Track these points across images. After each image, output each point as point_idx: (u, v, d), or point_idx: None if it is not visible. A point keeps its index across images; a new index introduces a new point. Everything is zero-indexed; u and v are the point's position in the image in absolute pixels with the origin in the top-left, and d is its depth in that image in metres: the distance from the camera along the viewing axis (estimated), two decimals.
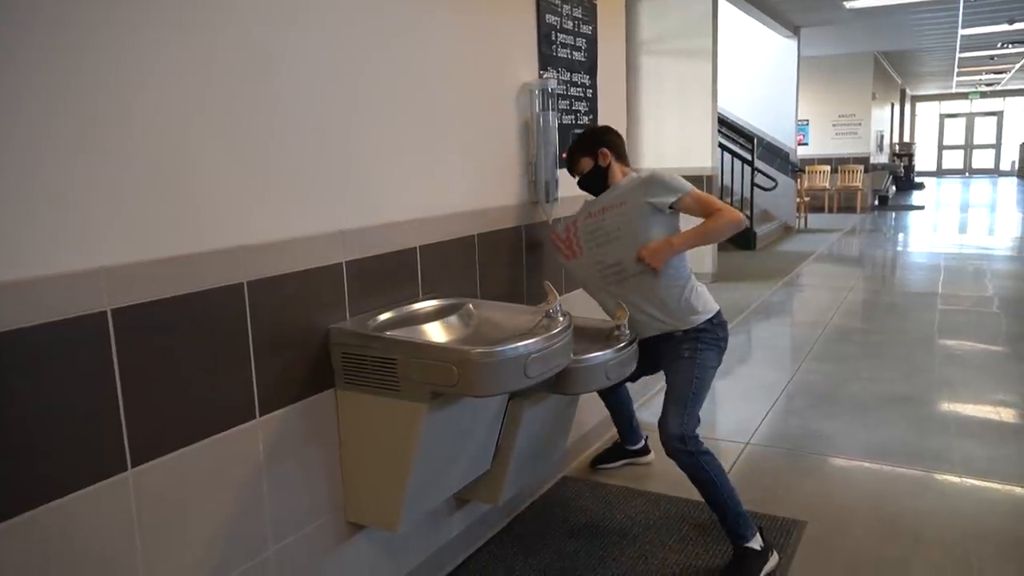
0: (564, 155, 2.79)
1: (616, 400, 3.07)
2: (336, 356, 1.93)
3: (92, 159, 1.40)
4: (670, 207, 2.47)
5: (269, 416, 1.79)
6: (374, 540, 2.15)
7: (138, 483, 1.50)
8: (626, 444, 3.19)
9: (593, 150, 2.64)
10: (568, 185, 2.94)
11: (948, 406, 4.00)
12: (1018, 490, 2.96)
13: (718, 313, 2.58)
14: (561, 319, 2.03)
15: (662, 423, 2.46)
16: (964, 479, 3.06)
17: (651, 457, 3.21)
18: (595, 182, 2.66)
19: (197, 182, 1.59)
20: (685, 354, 2.52)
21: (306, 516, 1.93)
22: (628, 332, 2.49)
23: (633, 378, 2.76)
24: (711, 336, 2.54)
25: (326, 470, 1.98)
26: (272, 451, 1.80)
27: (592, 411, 3.32)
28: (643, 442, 3.21)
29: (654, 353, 2.62)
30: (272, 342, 1.77)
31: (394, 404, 1.88)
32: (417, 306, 2.16)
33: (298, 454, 1.89)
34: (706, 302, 2.58)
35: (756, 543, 2.43)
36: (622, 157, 2.67)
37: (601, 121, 3.24)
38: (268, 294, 1.75)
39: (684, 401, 2.46)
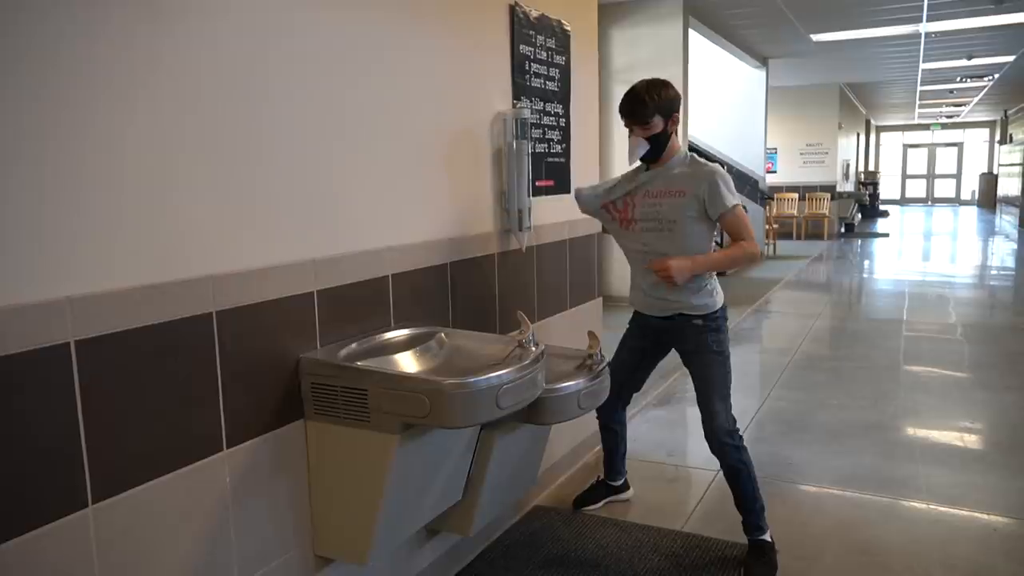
0: (625, 106, 2.54)
1: (615, 433, 3.03)
2: (306, 386, 1.91)
3: (60, 186, 1.37)
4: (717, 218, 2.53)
5: (237, 448, 1.75)
6: (344, 573, 2.11)
7: (98, 520, 1.45)
8: (610, 479, 3.12)
9: (670, 113, 2.51)
10: (541, 213, 2.95)
11: (914, 433, 4.05)
12: (982, 517, 3.00)
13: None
14: (533, 349, 2.02)
15: (711, 420, 2.56)
16: (931, 506, 3.09)
17: (631, 493, 3.18)
18: (654, 147, 2.54)
19: (168, 211, 1.57)
20: (714, 347, 2.60)
21: (274, 550, 1.88)
22: (601, 360, 2.48)
23: (639, 383, 2.91)
24: (724, 321, 2.64)
25: (295, 503, 1.94)
26: (239, 484, 1.77)
27: (564, 439, 3.31)
28: (625, 478, 3.17)
29: (660, 338, 2.73)
30: (241, 373, 1.75)
31: (365, 435, 1.85)
32: (389, 335, 2.14)
33: (266, 487, 1.85)
34: (718, 288, 2.66)
35: (769, 536, 2.63)
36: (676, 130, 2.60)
37: (574, 150, 3.27)
38: (237, 324, 1.72)
39: (726, 395, 2.59)
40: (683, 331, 2.64)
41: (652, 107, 2.49)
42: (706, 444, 2.63)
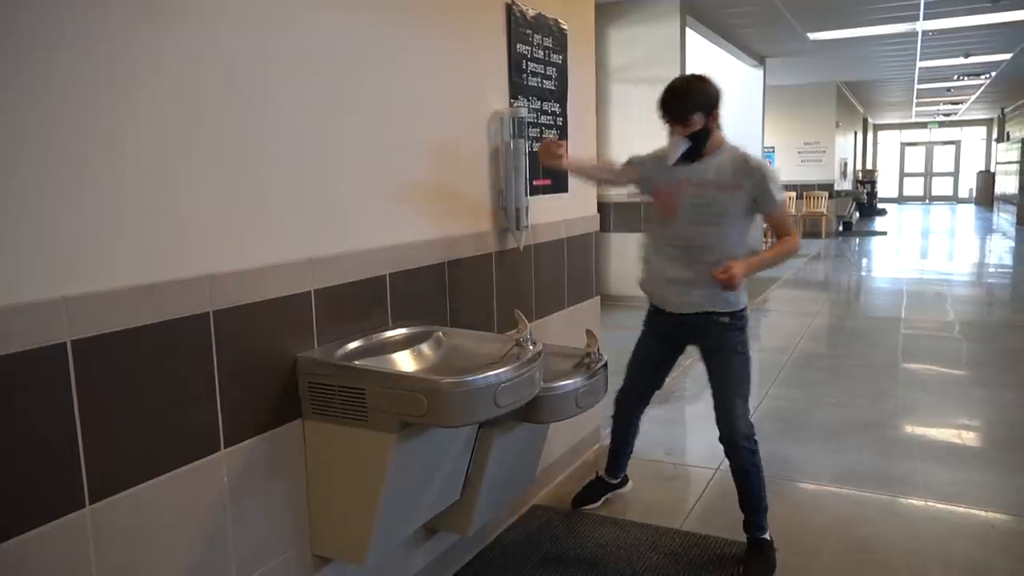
0: (662, 104, 2.47)
1: (628, 430, 3.02)
2: (303, 386, 1.91)
3: (60, 186, 1.37)
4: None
5: (234, 448, 1.75)
6: (341, 573, 2.11)
7: (96, 520, 1.46)
8: (612, 475, 3.10)
9: (711, 109, 2.45)
10: (538, 212, 2.96)
11: (912, 430, 4.06)
12: (980, 514, 3.00)
13: None
14: (531, 347, 2.02)
15: (729, 420, 2.54)
16: (929, 503, 3.10)
17: (630, 486, 3.18)
18: (695, 145, 2.48)
19: (167, 211, 1.57)
20: (738, 347, 2.58)
21: (272, 549, 1.89)
22: (599, 359, 2.49)
23: (660, 382, 2.88)
24: (747, 321, 2.62)
25: (292, 502, 1.94)
26: (237, 484, 1.77)
27: (562, 438, 3.31)
28: (625, 473, 3.16)
29: (679, 334, 2.69)
30: (238, 372, 1.75)
31: (362, 434, 1.86)
32: (386, 334, 2.14)
33: (264, 486, 1.85)
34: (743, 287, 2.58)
35: (768, 534, 2.63)
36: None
37: (572, 149, 3.27)
38: (235, 323, 1.73)
39: (746, 395, 2.58)
40: (707, 328, 2.60)
41: (691, 104, 2.43)
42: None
